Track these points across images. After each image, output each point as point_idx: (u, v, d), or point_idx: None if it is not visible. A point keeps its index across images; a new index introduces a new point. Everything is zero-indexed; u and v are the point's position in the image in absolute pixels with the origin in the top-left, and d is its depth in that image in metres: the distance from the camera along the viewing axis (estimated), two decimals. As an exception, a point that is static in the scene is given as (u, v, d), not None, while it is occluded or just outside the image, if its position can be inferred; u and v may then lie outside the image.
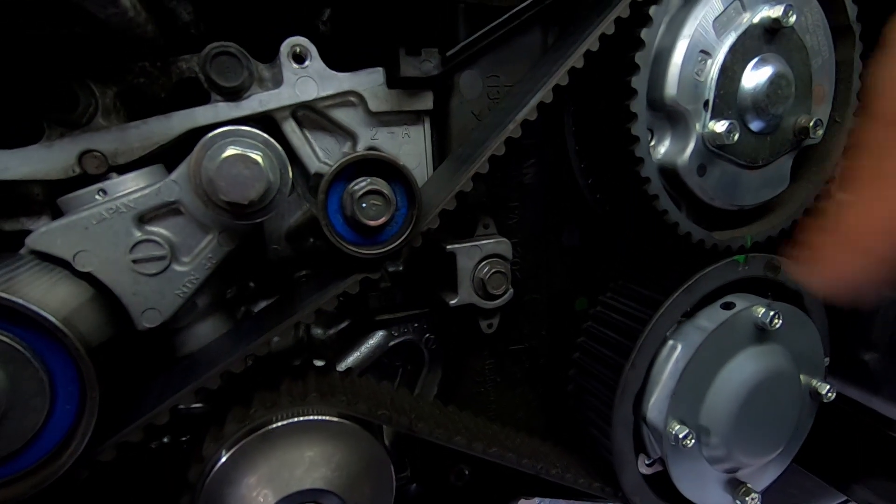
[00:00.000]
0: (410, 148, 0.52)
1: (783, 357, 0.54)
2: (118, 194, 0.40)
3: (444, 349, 0.58)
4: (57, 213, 0.42)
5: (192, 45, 0.46)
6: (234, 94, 0.44)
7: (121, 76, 0.43)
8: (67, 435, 0.35)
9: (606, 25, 0.43)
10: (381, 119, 0.50)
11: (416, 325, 0.57)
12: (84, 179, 0.41)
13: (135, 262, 0.40)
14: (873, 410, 0.79)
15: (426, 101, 0.50)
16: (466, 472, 0.59)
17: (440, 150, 0.53)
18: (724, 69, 0.47)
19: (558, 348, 0.61)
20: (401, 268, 0.55)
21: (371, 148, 0.51)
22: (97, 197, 0.40)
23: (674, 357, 0.53)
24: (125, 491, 0.46)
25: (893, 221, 0.25)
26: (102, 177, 0.42)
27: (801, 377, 0.57)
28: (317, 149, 0.50)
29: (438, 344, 0.58)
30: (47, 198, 0.42)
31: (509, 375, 0.60)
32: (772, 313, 0.52)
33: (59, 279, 0.38)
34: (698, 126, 0.47)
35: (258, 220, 0.39)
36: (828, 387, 0.58)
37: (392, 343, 0.56)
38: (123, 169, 0.42)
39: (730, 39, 0.47)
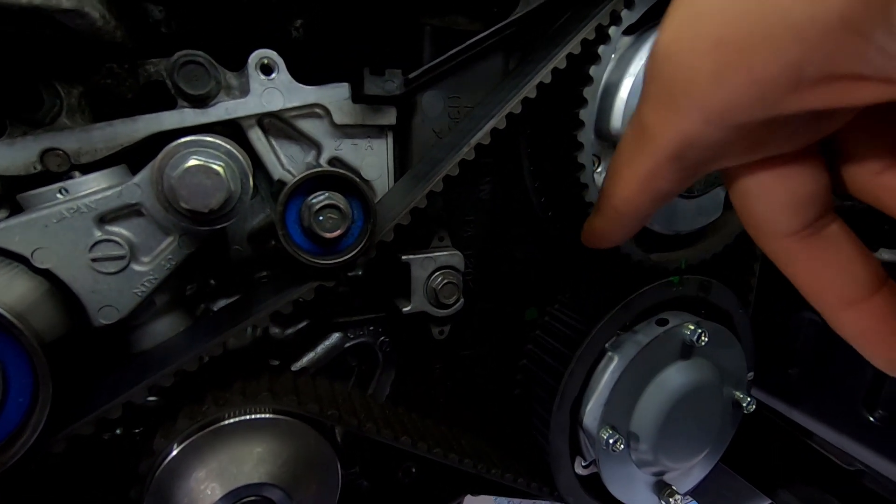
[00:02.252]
0: (373, 160, 0.54)
1: (708, 371, 0.59)
2: (80, 194, 0.41)
3: (397, 352, 0.61)
4: (16, 209, 0.42)
5: (163, 45, 0.47)
6: (201, 102, 0.45)
7: (87, 76, 0.44)
8: (19, 427, 0.36)
9: (559, 60, 0.47)
10: (346, 131, 0.52)
11: (371, 328, 0.59)
12: (46, 177, 0.42)
13: (94, 260, 0.41)
14: (795, 422, 0.86)
15: (389, 117, 0.52)
16: (413, 470, 0.62)
17: (402, 163, 0.56)
18: (665, 106, 0.51)
19: (507, 355, 0.64)
20: (360, 273, 0.58)
21: (334, 158, 0.53)
22: (58, 195, 0.41)
23: (610, 367, 0.58)
24: (77, 481, 0.47)
25: None
26: (65, 175, 0.42)
27: (725, 390, 0.62)
28: (281, 156, 0.52)
29: (392, 347, 0.60)
30: (7, 193, 0.42)
31: (459, 380, 0.63)
32: (699, 331, 0.56)
33: (16, 274, 0.39)
34: (640, 157, 0.51)
35: (218, 227, 0.41)
36: (749, 399, 0.63)
37: (347, 345, 0.58)
38: (86, 168, 0.43)
39: (672, 79, 0.51)
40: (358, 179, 0.41)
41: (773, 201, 0.25)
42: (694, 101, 0.22)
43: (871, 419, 0.70)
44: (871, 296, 0.25)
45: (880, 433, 0.70)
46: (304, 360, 0.56)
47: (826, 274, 0.25)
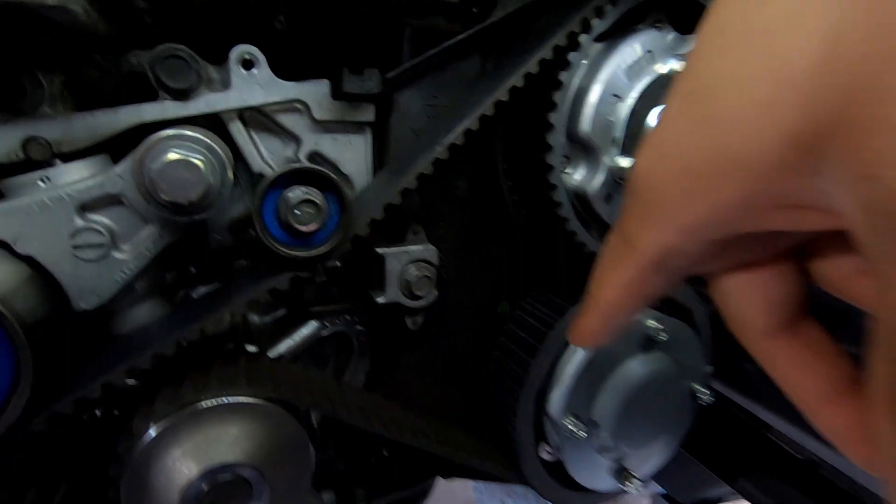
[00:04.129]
0: (352, 155, 0.56)
1: (667, 364, 0.63)
2: (61, 182, 0.42)
3: (372, 341, 0.63)
4: (-2, 196, 0.43)
5: (146, 35, 0.48)
6: (182, 95, 0.46)
7: (69, 66, 0.45)
8: (1, 405, 0.37)
9: (531, 65, 0.49)
10: (325, 126, 0.54)
11: (348, 317, 0.61)
12: (28, 164, 0.43)
13: (75, 247, 0.42)
14: (754, 415, 0.90)
15: (368, 114, 0.54)
16: (385, 454, 0.65)
17: (380, 158, 0.57)
18: (633, 112, 0.53)
19: (479, 346, 0.67)
20: (338, 264, 0.60)
21: (314, 152, 0.54)
22: (40, 183, 0.42)
23: (575, 359, 0.60)
24: (58, 459, 0.48)
25: None
26: (46, 163, 0.44)
27: (683, 382, 0.66)
28: (261, 149, 0.53)
29: (368, 336, 0.63)
30: (-11, 179, 0.43)
31: (431, 368, 0.65)
32: (659, 327, 0.60)
33: (-1, 259, 0.40)
34: (608, 160, 0.54)
35: (197, 218, 0.43)
36: (706, 391, 0.67)
37: (324, 333, 0.61)
38: (68, 157, 0.44)
39: (640, 86, 0.53)
40: (334, 176, 0.43)
41: (749, 303, 0.27)
42: (668, 218, 0.25)
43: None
44: (846, 394, 0.26)
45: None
46: (282, 347, 0.58)
47: (803, 371, 0.27)
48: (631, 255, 0.27)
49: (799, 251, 0.27)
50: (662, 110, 0.26)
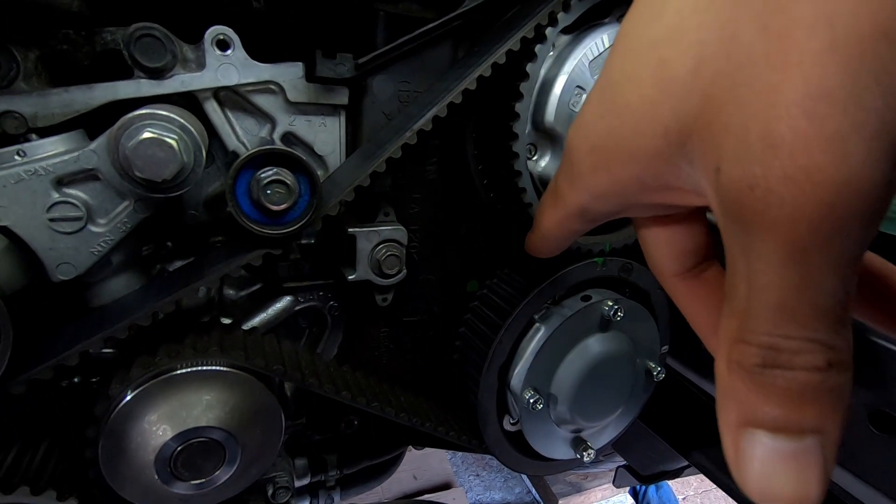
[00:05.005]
0: (326, 136, 0.58)
1: (623, 342, 0.67)
2: (37, 157, 0.43)
3: (345, 316, 0.66)
4: (-26, 168, 0.44)
5: (121, 13, 0.48)
6: (157, 74, 0.47)
7: (43, 42, 0.46)
8: (-19, 370, 0.39)
9: (498, 56, 0.50)
10: (300, 108, 0.55)
11: (321, 293, 0.64)
12: (3, 139, 0.44)
13: (51, 220, 0.44)
14: (707, 392, 0.96)
15: (342, 97, 0.55)
16: (355, 423, 0.68)
17: (354, 140, 0.59)
18: (596, 103, 0.55)
19: (448, 323, 0.70)
20: (312, 241, 0.62)
21: (288, 133, 0.56)
22: (16, 157, 0.43)
23: (536, 336, 0.64)
24: (38, 422, 0.50)
25: None
26: (22, 137, 0.45)
27: (638, 360, 0.70)
28: (237, 128, 0.54)
29: (340, 311, 0.65)
30: (-36, 152, 0.44)
31: (401, 343, 0.69)
32: (616, 307, 0.63)
33: (-24, 230, 0.42)
34: (571, 148, 0.56)
35: (172, 195, 0.44)
36: (659, 368, 0.71)
37: (298, 308, 0.63)
38: (43, 132, 0.45)
39: (604, 78, 0.55)
40: (305, 158, 0.45)
41: (661, 248, 0.33)
42: (582, 185, 0.30)
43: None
44: None
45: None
46: (256, 320, 0.60)
47: (700, 307, 0.33)
48: (559, 204, 0.34)
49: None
50: (587, 96, 0.31)
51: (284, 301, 0.62)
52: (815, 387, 0.20)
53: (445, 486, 2.28)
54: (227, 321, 0.58)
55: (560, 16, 0.51)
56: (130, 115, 0.41)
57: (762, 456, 0.20)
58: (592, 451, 0.72)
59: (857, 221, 0.19)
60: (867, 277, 0.31)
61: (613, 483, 1.54)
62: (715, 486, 0.98)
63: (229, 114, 0.54)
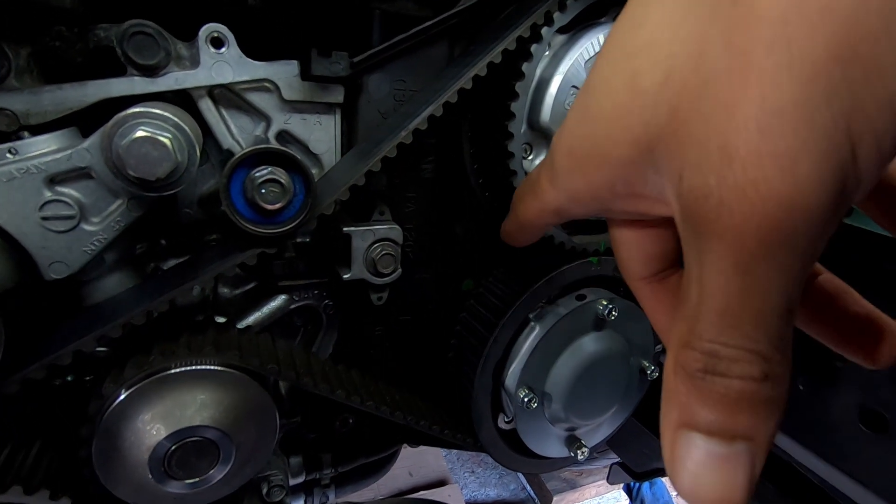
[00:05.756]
0: (321, 135, 0.57)
1: (617, 342, 0.67)
2: (29, 154, 0.43)
3: (340, 315, 0.66)
4: (-35, 165, 0.44)
5: (114, 9, 0.48)
6: (151, 71, 0.47)
7: (35, 38, 0.45)
8: (-27, 369, 0.39)
9: (494, 55, 0.50)
10: (295, 106, 0.55)
11: (316, 291, 0.64)
12: (-6, 136, 0.44)
13: (44, 219, 0.44)
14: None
15: (337, 95, 0.55)
16: (350, 421, 0.68)
17: (349, 138, 0.59)
18: (591, 103, 0.55)
19: (443, 322, 0.70)
20: (308, 240, 0.62)
21: (283, 131, 0.56)
22: (8, 155, 0.43)
23: (532, 335, 0.64)
24: (32, 421, 0.50)
25: None
26: (14, 135, 0.44)
27: (632, 359, 0.70)
28: (231, 126, 0.54)
29: (335, 310, 0.65)
30: (-45, 149, 0.44)
31: (396, 342, 0.69)
32: (610, 307, 0.64)
33: (-33, 229, 0.41)
34: (566, 148, 0.56)
35: (166, 194, 0.44)
36: (653, 367, 0.72)
37: (293, 306, 0.63)
38: (36, 129, 0.45)
39: (599, 78, 0.55)
40: (299, 157, 0.45)
41: (631, 252, 0.33)
42: (560, 185, 0.31)
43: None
44: None
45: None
46: (250, 319, 0.60)
47: (661, 311, 0.33)
48: (537, 198, 0.35)
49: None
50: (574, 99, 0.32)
51: (279, 300, 0.62)
52: (749, 396, 0.20)
53: (441, 483, 2.29)
54: (221, 320, 0.58)
55: (556, 15, 0.51)
56: (124, 113, 0.41)
57: (695, 457, 0.21)
58: (586, 450, 0.72)
59: (803, 238, 0.19)
60: (824, 297, 0.32)
61: (608, 480, 1.54)
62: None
63: (224, 112, 0.54)
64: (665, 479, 2.44)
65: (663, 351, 0.78)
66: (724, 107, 0.20)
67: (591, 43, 0.53)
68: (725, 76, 0.20)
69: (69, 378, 0.53)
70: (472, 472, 2.69)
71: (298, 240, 0.60)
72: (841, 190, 0.19)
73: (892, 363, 0.31)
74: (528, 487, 2.58)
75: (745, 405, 0.20)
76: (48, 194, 0.43)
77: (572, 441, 0.72)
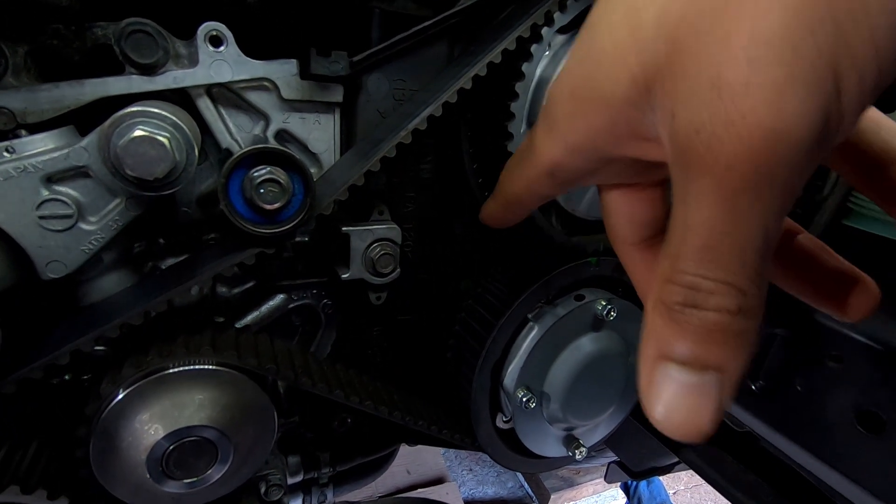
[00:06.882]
0: (320, 134, 0.57)
1: (615, 342, 0.67)
2: (26, 153, 0.43)
3: (338, 315, 0.65)
4: (-38, 164, 0.44)
5: (111, 7, 0.47)
6: (149, 70, 0.47)
7: (33, 36, 0.45)
8: (-30, 369, 0.39)
9: (494, 55, 0.50)
10: (294, 105, 0.55)
11: (314, 291, 0.64)
12: (-9, 134, 0.43)
13: (41, 218, 0.43)
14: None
15: (336, 95, 0.55)
16: (349, 421, 0.68)
17: (348, 138, 0.59)
18: (591, 103, 0.55)
19: (442, 321, 0.70)
20: (306, 239, 0.61)
21: (282, 131, 0.55)
22: (5, 154, 0.43)
23: (530, 335, 0.64)
24: (29, 421, 0.50)
25: None
26: (10, 134, 0.44)
27: (630, 359, 0.70)
28: (230, 125, 0.54)
29: (334, 310, 0.65)
30: (-48, 148, 0.44)
31: (395, 342, 0.69)
32: (609, 307, 0.64)
33: (-36, 228, 0.41)
34: (566, 149, 0.56)
35: (164, 193, 0.44)
36: (651, 368, 0.72)
37: (291, 306, 0.63)
38: (33, 128, 0.45)
39: (599, 79, 0.55)
40: (298, 157, 0.44)
41: (622, 217, 0.33)
42: (559, 133, 0.29)
43: (753, 388, 0.81)
44: None
45: (759, 401, 0.81)
46: (248, 318, 0.60)
47: (647, 275, 0.33)
48: (532, 160, 0.33)
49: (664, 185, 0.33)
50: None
51: (278, 299, 0.62)
52: (723, 328, 0.21)
53: (439, 481, 2.29)
54: (219, 319, 0.58)
55: (556, 15, 0.51)
56: (122, 112, 0.41)
57: (669, 387, 0.22)
58: (584, 449, 0.72)
59: (785, 170, 0.19)
60: (803, 255, 0.32)
61: (605, 478, 1.55)
62: (704, 481, 1.00)
63: (222, 111, 0.53)
64: (662, 478, 2.45)
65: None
66: (718, 39, 0.20)
67: (591, 43, 0.53)
68: (721, 8, 0.20)
69: (67, 378, 0.52)
70: (470, 470, 2.70)
71: (297, 239, 0.60)
72: (825, 124, 0.19)
73: (863, 315, 0.31)
74: (526, 485, 2.59)
75: (719, 336, 0.21)
76: (45, 193, 0.43)
77: (570, 441, 0.72)
